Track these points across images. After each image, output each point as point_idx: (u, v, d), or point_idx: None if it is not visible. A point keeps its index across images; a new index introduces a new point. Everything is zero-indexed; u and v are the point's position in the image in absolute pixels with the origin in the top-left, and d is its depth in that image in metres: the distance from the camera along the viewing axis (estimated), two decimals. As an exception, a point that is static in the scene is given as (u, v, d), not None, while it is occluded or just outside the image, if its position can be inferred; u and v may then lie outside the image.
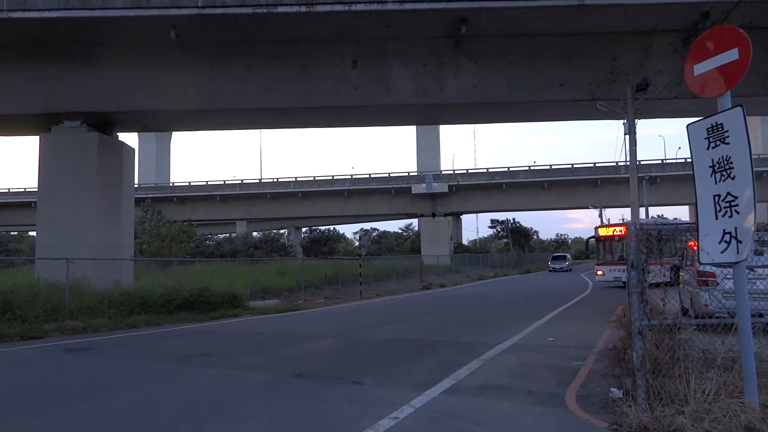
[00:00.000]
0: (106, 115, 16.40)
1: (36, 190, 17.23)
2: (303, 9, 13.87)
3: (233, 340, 10.58)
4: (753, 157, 4.19)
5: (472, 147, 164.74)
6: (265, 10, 13.88)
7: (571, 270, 48.67)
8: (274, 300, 18.75)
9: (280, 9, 13.88)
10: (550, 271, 48.05)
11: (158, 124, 19.43)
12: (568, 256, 55.09)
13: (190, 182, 53.09)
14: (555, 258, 51.69)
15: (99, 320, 12.21)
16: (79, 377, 7.12)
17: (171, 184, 56.04)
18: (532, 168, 49.25)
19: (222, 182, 51.92)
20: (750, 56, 4.20)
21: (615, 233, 23.59)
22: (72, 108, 15.88)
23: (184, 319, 13.41)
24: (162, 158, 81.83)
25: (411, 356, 8.19)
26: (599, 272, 23.91)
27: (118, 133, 18.12)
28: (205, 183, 52.15)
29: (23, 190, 49.84)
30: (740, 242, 4.14)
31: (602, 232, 24.41)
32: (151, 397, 5.95)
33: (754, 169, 4.17)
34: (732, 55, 4.30)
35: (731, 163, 4.21)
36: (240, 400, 5.73)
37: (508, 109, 17.04)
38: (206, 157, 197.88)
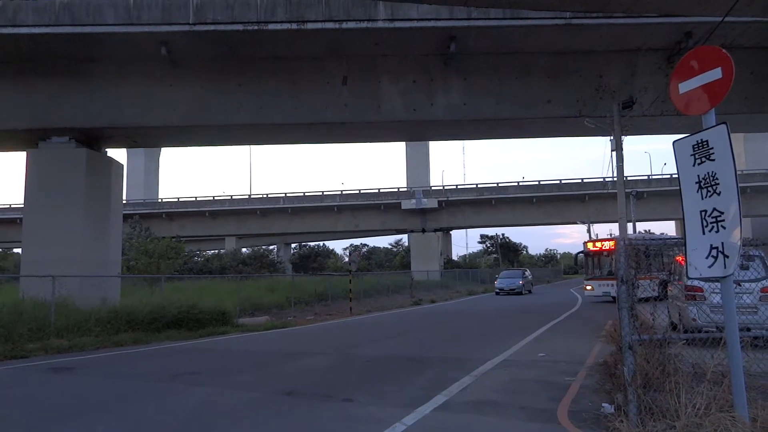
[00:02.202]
0: (95, 130, 16.32)
1: (22, 206, 17.02)
2: (294, 26, 14.01)
3: (222, 357, 10.46)
4: (737, 173, 4.27)
5: (462, 163, 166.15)
6: (256, 28, 13.99)
7: (528, 292, 34.26)
8: (263, 317, 18.58)
9: (271, 26, 14.00)
10: (497, 293, 33.43)
11: (148, 139, 19.37)
12: (525, 271, 38.29)
13: (178, 198, 52.74)
14: (504, 276, 35.89)
15: (85, 339, 12.00)
16: (64, 397, 6.99)
17: (160, 200, 55.62)
18: (521, 184, 49.58)
19: (211, 198, 51.65)
20: (733, 75, 4.31)
21: (603, 248, 23.75)
22: (60, 123, 15.79)
23: (172, 337, 13.23)
24: (151, 174, 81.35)
25: (402, 373, 8.14)
26: (588, 287, 24.03)
27: (106, 149, 18.04)
28: (194, 199, 51.85)
29: (8, 206, 49.21)
30: (727, 257, 4.20)
31: (591, 247, 24.56)
32: (138, 417, 5.84)
33: (739, 185, 4.24)
34: (715, 74, 4.41)
35: (717, 179, 4.29)
36: (229, 420, 5.65)
37: (496, 125, 17.22)
38: (195, 173, 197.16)
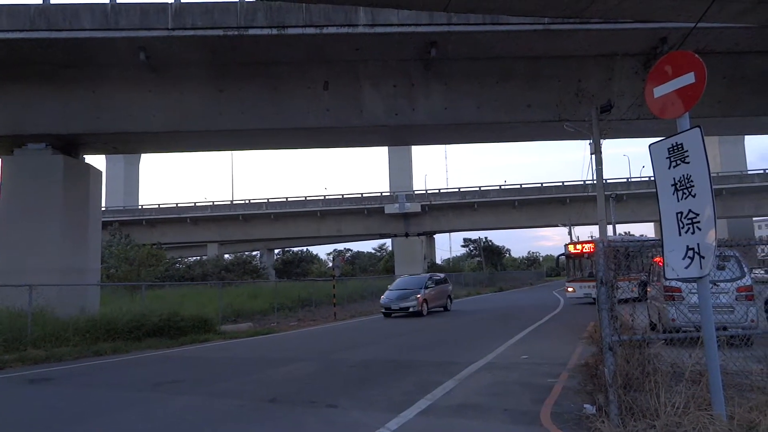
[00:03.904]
0: (73, 137, 16.05)
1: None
2: (274, 32, 13.96)
3: (204, 365, 10.33)
4: (712, 175, 4.36)
5: (444, 167, 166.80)
6: (236, 33, 13.92)
7: (444, 309, 22.93)
8: (246, 323, 18.42)
9: (252, 32, 13.94)
10: (384, 313, 21.28)
11: (127, 146, 19.10)
12: (432, 278, 23.61)
13: (159, 205, 52.07)
14: (396, 287, 22.89)
15: (63, 349, 11.77)
16: (42, 409, 6.83)
17: (140, 207, 54.92)
18: (502, 187, 50.00)
19: (192, 204, 51.11)
20: (705, 79, 4.40)
21: (584, 250, 23.99)
22: (36, 130, 15.50)
23: (153, 346, 13.04)
24: (130, 181, 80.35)
25: (386, 377, 8.13)
26: (570, 289, 24.25)
27: (84, 156, 17.75)
28: (175, 205, 51.24)
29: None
30: (703, 258, 4.28)
31: (572, 249, 24.78)
32: (119, 428, 5.74)
33: (714, 187, 4.33)
34: (689, 78, 4.50)
35: (692, 181, 4.37)
36: (212, 428, 5.58)
37: (477, 129, 17.35)
38: (176, 179, 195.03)
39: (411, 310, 20.63)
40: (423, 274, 26.39)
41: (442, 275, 25.64)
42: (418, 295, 20.95)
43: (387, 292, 22.37)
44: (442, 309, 22.98)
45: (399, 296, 21.33)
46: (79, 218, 16.64)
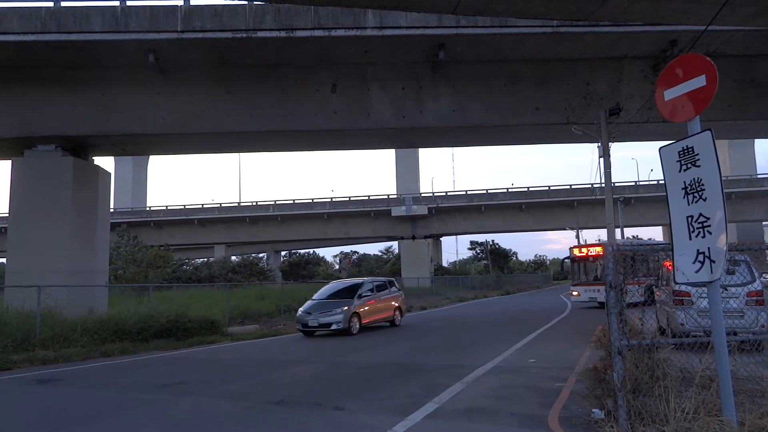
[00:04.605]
0: (82, 138, 16.18)
1: (7, 215, 16.80)
2: (283, 34, 14.02)
3: (211, 367, 10.35)
4: (723, 179, 4.32)
5: (451, 170, 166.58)
6: (245, 35, 13.98)
7: (390, 324, 17.52)
8: (253, 325, 18.44)
9: (260, 34, 14.00)
10: (301, 330, 15.77)
11: (135, 147, 19.25)
12: (363, 285, 16.92)
13: (167, 206, 52.36)
14: (319, 297, 16.98)
15: (71, 349, 11.83)
16: (50, 409, 6.87)
17: (148, 209, 55.18)
18: (509, 190, 49.85)
19: (200, 206, 51.34)
20: (717, 82, 4.37)
21: (589, 254, 23.74)
22: (46, 132, 15.64)
23: (161, 347, 13.08)
24: (139, 182, 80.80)
25: (393, 380, 8.11)
26: (574, 293, 23.99)
27: (93, 157, 17.88)
28: (182, 207, 51.49)
29: (-7, 215, 48.56)
30: (713, 262, 4.24)
31: (577, 253, 24.51)
32: (127, 429, 5.76)
33: (724, 191, 4.29)
34: (700, 81, 4.47)
35: (702, 185, 4.34)
36: (219, 430, 5.58)
37: (485, 132, 17.33)
38: (184, 181, 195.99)
39: (334, 327, 15.06)
40: (352, 281, 18.55)
41: (384, 279, 19.57)
42: (346, 307, 15.39)
43: (307, 303, 16.53)
44: (388, 324, 17.44)
45: (320, 308, 15.65)
46: (88, 219, 16.76)
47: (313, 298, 17.01)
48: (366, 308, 16.38)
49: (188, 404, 6.85)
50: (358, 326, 15.71)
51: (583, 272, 24.17)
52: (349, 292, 16.45)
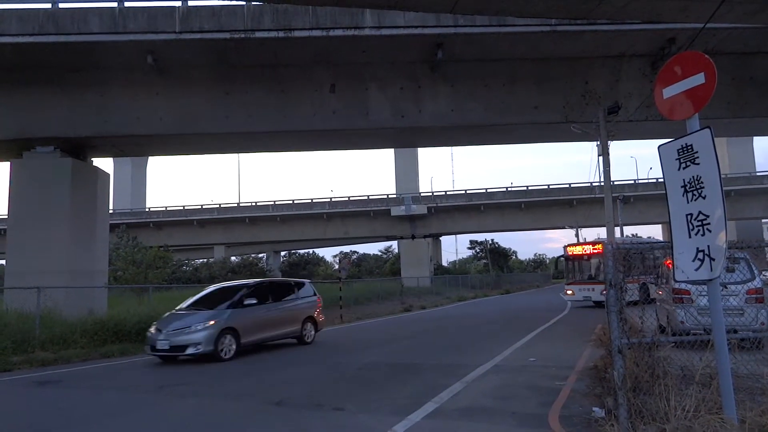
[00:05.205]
0: (81, 140, 16.16)
1: (6, 216, 16.78)
2: (281, 34, 14.00)
3: (210, 367, 10.34)
4: (722, 176, 4.32)
5: (450, 169, 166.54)
6: (243, 35, 13.96)
7: (298, 340, 13.18)
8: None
9: (258, 34, 13.98)
10: (153, 354, 11.12)
11: (134, 149, 19.21)
12: (245, 289, 12.22)
13: (166, 207, 52.33)
14: (177, 315, 11.54)
15: (71, 351, 11.82)
16: (50, 411, 6.86)
17: (147, 209, 55.15)
18: (509, 189, 49.85)
19: (199, 207, 51.31)
20: (715, 80, 4.36)
21: (584, 252, 23.48)
22: (45, 133, 15.61)
23: (160, 348, 13.05)
24: (138, 183, 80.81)
25: (393, 380, 8.10)
26: (569, 292, 23.59)
27: (92, 159, 17.85)
28: (182, 208, 51.46)
29: (-8, 217, 48.50)
30: (713, 260, 4.23)
31: (571, 251, 24.12)
32: (127, 430, 5.75)
33: (723, 189, 4.29)
34: (698, 79, 4.46)
35: (702, 183, 4.33)
36: (219, 431, 5.58)
37: (484, 131, 17.31)
38: (183, 181, 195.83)
39: (191, 351, 10.57)
40: (251, 280, 14.28)
41: (288, 280, 15.69)
42: (211, 321, 10.93)
43: (166, 316, 11.96)
44: (295, 340, 13.28)
45: (174, 323, 11.13)
46: (87, 221, 16.74)
47: (176, 309, 12.28)
48: (250, 321, 11.69)
49: (188, 405, 6.85)
50: (234, 348, 11.16)
51: (578, 271, 23.91)
52: (223, 299, 11.92)
